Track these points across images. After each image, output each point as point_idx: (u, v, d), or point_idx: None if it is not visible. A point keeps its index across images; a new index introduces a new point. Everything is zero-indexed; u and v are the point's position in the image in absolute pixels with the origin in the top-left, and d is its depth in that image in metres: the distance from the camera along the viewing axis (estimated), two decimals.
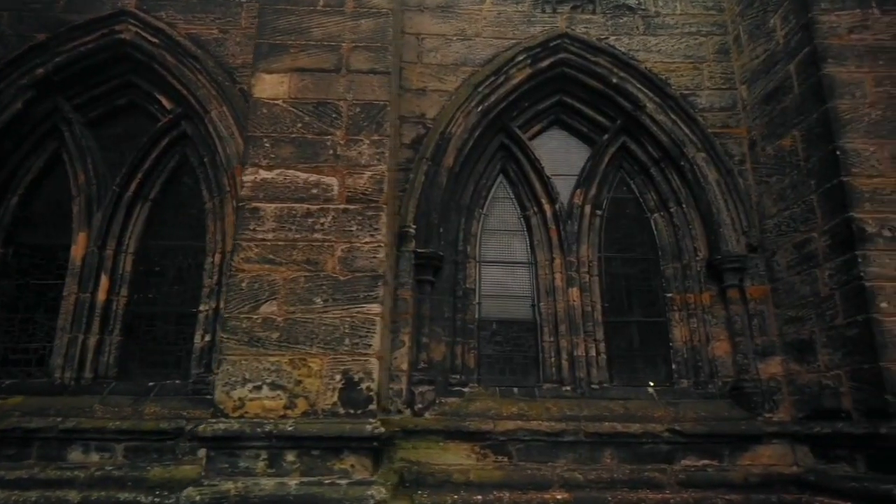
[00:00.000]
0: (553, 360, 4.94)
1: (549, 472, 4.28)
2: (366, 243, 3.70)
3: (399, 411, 4.43)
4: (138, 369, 4.88)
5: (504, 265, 5.35)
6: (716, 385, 4.80)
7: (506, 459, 4.37)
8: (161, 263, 5.16)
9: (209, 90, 4.98)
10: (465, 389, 4.76)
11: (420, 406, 4.47)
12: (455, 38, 5.45)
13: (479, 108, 5.21)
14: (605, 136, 5.44)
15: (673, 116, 5.25)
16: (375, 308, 3.57)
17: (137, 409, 4.34)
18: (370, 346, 3.51)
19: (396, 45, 4.96)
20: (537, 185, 5.37)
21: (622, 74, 5.34)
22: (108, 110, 5.37)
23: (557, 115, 5.66)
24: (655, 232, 5.40)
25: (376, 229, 3.73)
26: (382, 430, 3.34)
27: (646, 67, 5.38)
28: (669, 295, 5.19)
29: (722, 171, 5.07)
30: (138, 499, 3.75)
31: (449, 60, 5.39)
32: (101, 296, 4.86)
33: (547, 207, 5.31)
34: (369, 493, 3.22)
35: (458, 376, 4.80)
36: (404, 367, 4.51)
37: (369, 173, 3.84)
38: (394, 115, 4.23)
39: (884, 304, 3.73)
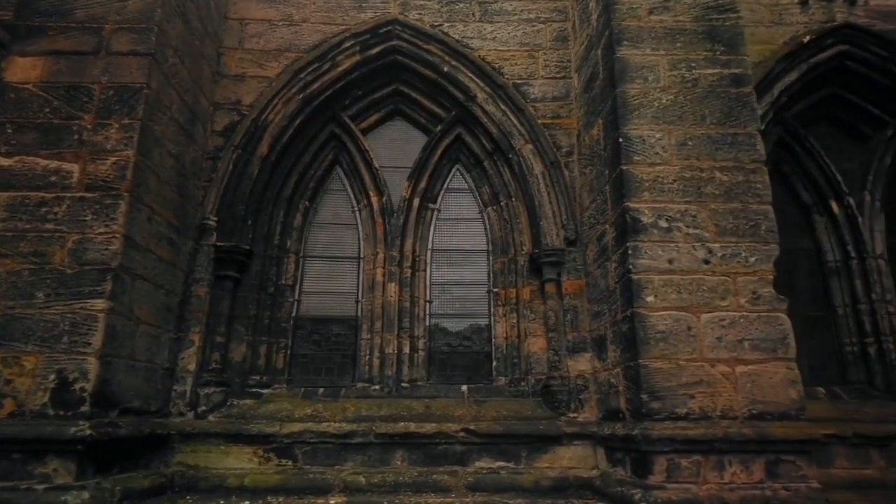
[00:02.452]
0: (368, 358, 4.73)
1: (332, 476, 4.08)
2: (99, 234, 3.47)
3: (181, 413, 4.21)
4: None
5: (332, 260, 5.14)
6: (528, 383, 4.61)
7: (290, 463, 4.16)
8: None
9: None
10: (266, 391, 4.55)
11: (204, 408, 4.25)
12: (281, 24, 5.22)
13: (301, 96, 4.99)
14: (439, 128, 5.23)
15: (503, 107, 5.04)
16: (100, 304, 3.35)
17: None
18: (90, 344, 3.28)
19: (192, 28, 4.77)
20: (366, 177, 5.16)
21: (454, 63, 5.13)
22: None
23: (397, 105, 5.46)
24: (488, 226, 5.21)
25: (113, 219, 3.50)
26: (90, 432, 3.12)
27: (479, 56, 5.17)
28: (496, 290, 5.00)
29: (547, 164, 4.87)
30: None
31: (272, 46, 5.16)
32: None
33: (374, 200, 5.10)
34: (64, 498, 3.00)
35: (259, 377, 4.59)
36: (191, 367, 4.29)
37: (113, 159, 3.61)
38: (162, 99, 3.98)
39: (650, 299, 3.53)
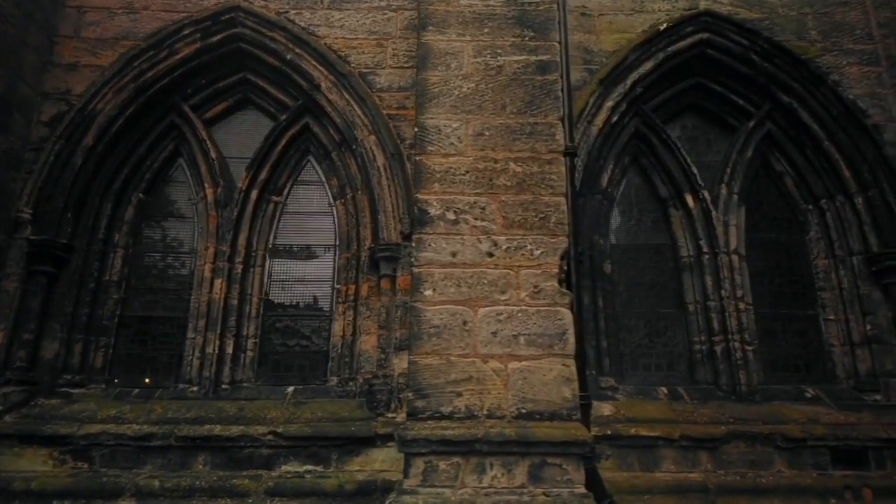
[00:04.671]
0: (190, 358, 4.55)
1: (126, 480, 3.90)
2: None
3: None
4: None
5: (165, 255, 4.96)
6: (357, 383, 4.43)
7: (85, 466, 3.99)
8: None
9: None
10: (78, 390, 4.37)
11: (1, 408, 4.07)
12: (121, 12, 5.05)
13: (134, 85, 4.82)
14: (283, 117, 5.06)
15: (347, 96, 4.88)
16: None
17: None
18: None
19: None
20: (203, 168, 4.99)
21: (298, 50, 4.97)
22: None
23: (246, 94, 5.29)
24: (335, 220, 5.03)
25: None
26: None
27: (325, 44, 5.01)
28: (338, 286, 4.83)
29: (388, 155, 4.70)
30: None
31: (110, 35, 4.99)
32: None
33: (209, 192, 4.92)
34: None
35: (71, 376, 4.41)
36: None
37: None
38: None
39: (428, 293, 3.36)
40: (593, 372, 4.46)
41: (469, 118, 3.70)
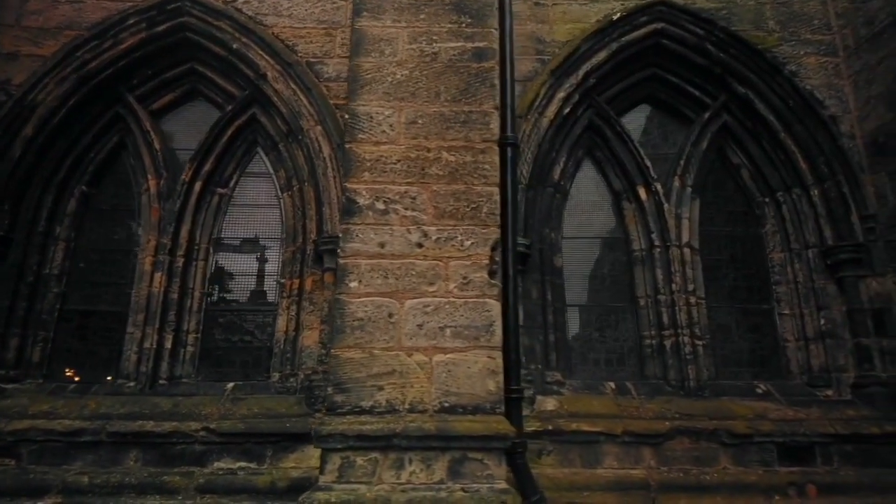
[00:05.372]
0: (128, 353, 4.45)
1: (54, 477, 3.81)
2: None
3: None
4: None
5: (108, 249, 4.86)
6: (298, 379, 4.34)
7: (13, 462, 3.90)
8: None
9: None
10: (11, 386, 4.27)
11: None
12: (65, 0, 4.96)
13: (77, 75, 4.72)
14: (229, 107, 4.97)
15: (293, 86, 4.78)
16: None
17: None
18: None
19: None
20: (147, 160, 4.89)
21: (244, 40, 4.87)
22: None
23: (194, 84, 5.19)
24: (282, 212, 4.94)
25: None
26: None
27: (272, 33, 4.92)
28: (282, 280, 4.73)
29: (334, 146, 4.61)
30: None
31: (53, 24, 4.89)
32: None
33: (152, 184, 4.83)
34: None
35: (5, 371, 4.31)
36: None
37: None
38: None
39: (353, 284, 3.28)
40: (539, 366, 4.37)
41: (402, 105, 3.61)
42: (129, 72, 4.94)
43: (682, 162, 4.89)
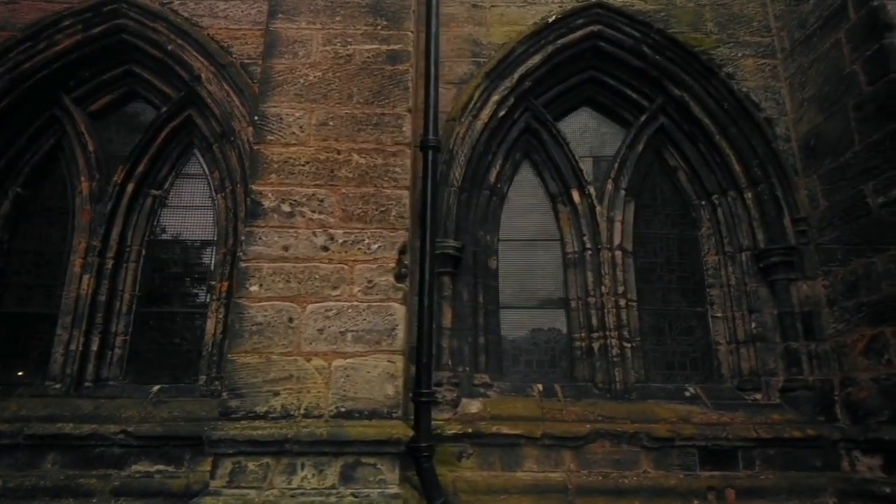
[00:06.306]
0: (56, 356, 4.43)
1: None
2: None
3: None
4: None
5: (46, 250, 4.84)
6: (223, 382, 4.30)
7: None
8: None
9: None
10: None
11: None
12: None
13: (10, 76, 4.70)
14: (165, 109, 4.95)
15: (226, 87, 4.77)
16: None
17: None
18: None
19: None
20: (81, 162, 4.88)
21: (179, 41, 4.86)
22: None
23: (132, 87, 5.18)
24: (215, 213, 4.93)
25: None
26: None
27: (207, 34, 4.90)
28: (213, 283, 4.72)
29: None
30: None
31: None
32: None
33: (85, 186, 4.81)
34: None
35: None
36: None
37: None
38: None
39: (254, 288, 3.27)
40: (468, 368, 4.36)
41: (314, 107, 3.60)
42: (66, 74, 4.93)
43: (616, 165, 4.88)
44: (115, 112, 5.20)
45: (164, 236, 4.91)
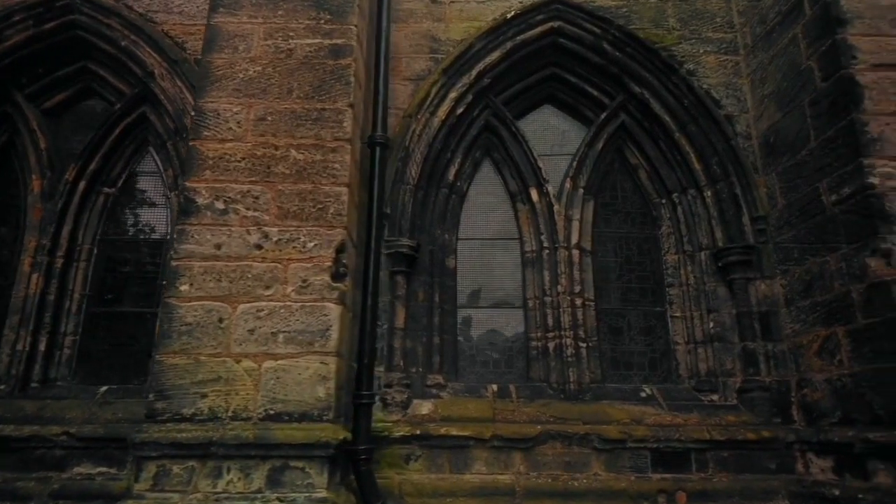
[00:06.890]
0: (1, 355, 4.36)
1: None
2: None
3: None
4: None
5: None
6: None
7: None
8: None
9: None
10: None
11: None
12: None
13: None
14: (118, 106, 4.89)
15: (179, 83, 4.69)
16: None
17: None
18: None
19: None
20: (32, 160, 4.81)
21: (133, 37, 4.78)
22: None
23: (88, 83, 5.11)
24: (168, 211, 4.86)
25: None
26: None
27: (161, 30, 4.83)
28: (164, 283, 4.63)
29: None
30: None
31: None
32: None
33: (36, 184, 4.74)
34: None
35: None
36: None
37: None
38: None
39: (184, 287, 3.20)
40: (420, 369, 4.30)
41: (252, 102, 3.53)
42: (18, 70, 4.85)
43: (574, 163, 4.81)
44: (71, 109, 5.14)
45: (117, 235, 4.84)
